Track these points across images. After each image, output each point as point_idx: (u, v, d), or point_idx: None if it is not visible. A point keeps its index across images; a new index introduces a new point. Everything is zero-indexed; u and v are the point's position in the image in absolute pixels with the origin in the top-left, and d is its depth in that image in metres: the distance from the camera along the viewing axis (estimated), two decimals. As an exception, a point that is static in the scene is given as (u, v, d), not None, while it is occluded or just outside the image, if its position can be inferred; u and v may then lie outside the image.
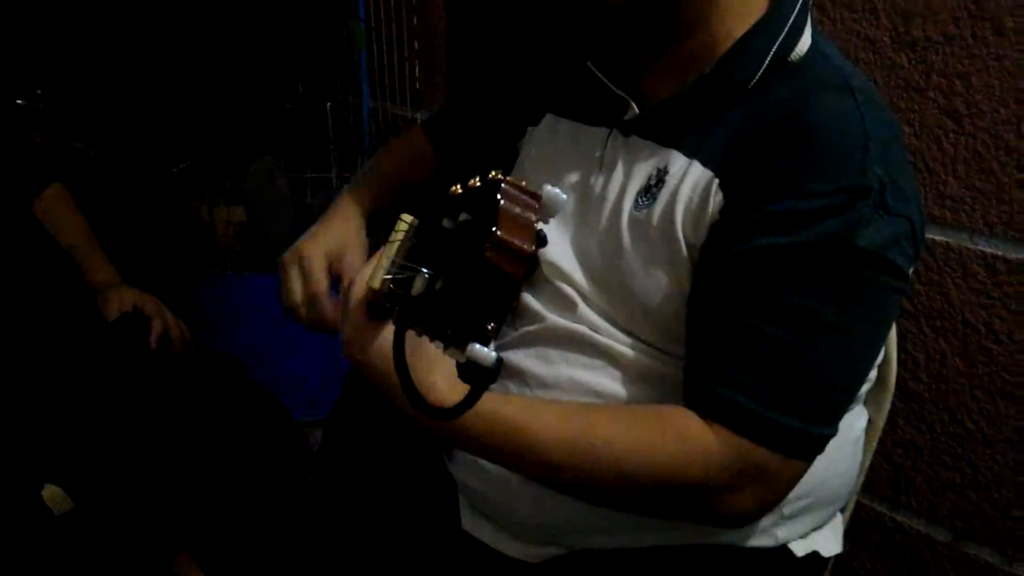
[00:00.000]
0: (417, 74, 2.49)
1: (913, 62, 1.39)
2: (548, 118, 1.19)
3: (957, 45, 1.34)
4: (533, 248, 0.64)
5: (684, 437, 0.92)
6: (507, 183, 0.65)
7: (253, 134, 2.63)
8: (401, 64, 2.54)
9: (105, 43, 2.70)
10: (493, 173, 0.66)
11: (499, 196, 0.63)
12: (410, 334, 0.71)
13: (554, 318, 1.06)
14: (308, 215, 2.21)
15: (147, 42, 2.69)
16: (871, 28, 1.43)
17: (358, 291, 0.86)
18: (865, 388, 1.12)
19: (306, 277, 1.21)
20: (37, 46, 2.62)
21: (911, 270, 0.96)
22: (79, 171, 2.43)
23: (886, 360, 1.19)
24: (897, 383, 1.24)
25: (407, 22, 2.48)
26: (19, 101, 2.51)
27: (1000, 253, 1.33)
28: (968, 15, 1.32)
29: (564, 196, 0.67)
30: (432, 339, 0.65)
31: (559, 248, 1.08)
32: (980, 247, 1.35)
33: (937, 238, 1.39)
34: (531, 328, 1.08)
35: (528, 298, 1.09)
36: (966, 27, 1.32)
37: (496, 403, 0.91)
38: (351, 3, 2.53)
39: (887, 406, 1.21)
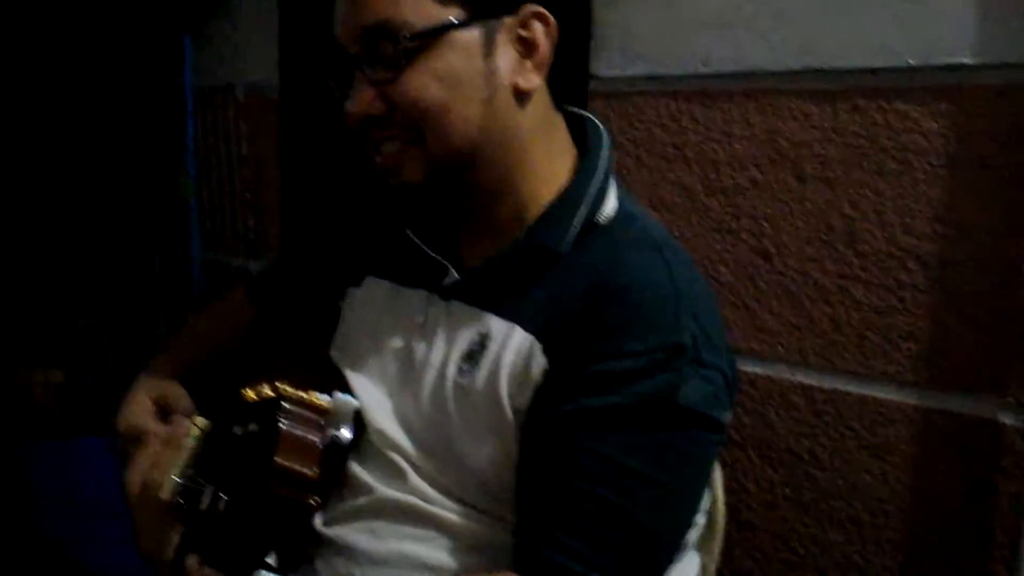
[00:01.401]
0: (250, 223, 2.47)
1: (724, 206, 1.47)
2: (369, 280, 1.18)
3: (763, 190, 1.42)
4: (316, 471, 0.62)
5: None
6: (290, 401, 0.62)
7: (74, 292, 2.54)
8: (233, 213, 2.51)
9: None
10: (279, 384, 0.64)
11: (281, 418, 0.61)
12: None
13: (383, 489, 1.02)
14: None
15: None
16: (684, 176, 1.51)
17: (148, 492, 0.78)
18: (696, 534, 1.12)
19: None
20: None
21: (727, 421, 0.99)
22: None
23: (712, 501, 1.21)
24: (730, 513, 1.27)
25: (239, 174, 2.47)
26: None
27: (816, 383, 1.39)
28: (771, 162, 1.41)
29: (356, 403, 0.65)
30: (211, 566, 0.62)
31: (384, 415, 1.04)
32: (798, 378, 1.42)
33: (759, 371, 1.45)
34: (360, 501, 1.02)
35: (356, 468, 1.03)
36: (770, 173, 1.42)
37: None
38: (180, 158, 2.50)
39: (718, 547, 1.22)
